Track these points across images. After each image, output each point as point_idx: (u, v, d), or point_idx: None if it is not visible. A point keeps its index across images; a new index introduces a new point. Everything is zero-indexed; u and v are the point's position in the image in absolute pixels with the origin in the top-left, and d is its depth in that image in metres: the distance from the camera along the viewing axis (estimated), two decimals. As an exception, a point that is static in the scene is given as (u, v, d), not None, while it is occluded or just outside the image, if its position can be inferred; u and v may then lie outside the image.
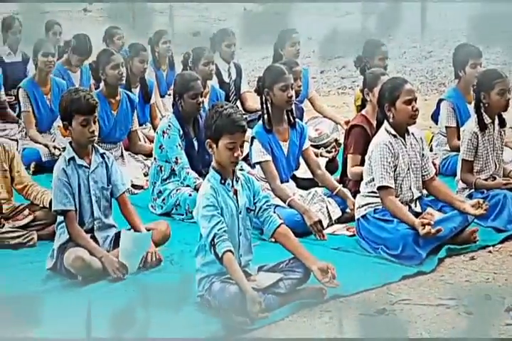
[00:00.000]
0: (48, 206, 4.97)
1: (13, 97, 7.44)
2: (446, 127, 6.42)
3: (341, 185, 5.45)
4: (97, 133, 4.43)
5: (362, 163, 5.16)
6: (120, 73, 6.25)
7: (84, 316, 3.71)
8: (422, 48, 12.82)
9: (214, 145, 3.93)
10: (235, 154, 3.90)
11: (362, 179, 4.94)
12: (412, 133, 4.90)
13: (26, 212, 5.02)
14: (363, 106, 5.83)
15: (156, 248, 4.55)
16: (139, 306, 3.86)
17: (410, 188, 4.86)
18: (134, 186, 6.08)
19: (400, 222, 4.66)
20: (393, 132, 4.80)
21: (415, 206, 4.90)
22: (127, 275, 4.30)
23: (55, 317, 3.66)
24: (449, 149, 6.42)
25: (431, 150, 6.40)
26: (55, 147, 6.59)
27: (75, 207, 4.41)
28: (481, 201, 4.79)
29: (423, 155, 4.92)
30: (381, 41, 7.04)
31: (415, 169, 4.88)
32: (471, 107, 5.95)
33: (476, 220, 4.87)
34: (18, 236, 4.87)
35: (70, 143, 4.49)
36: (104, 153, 4.57)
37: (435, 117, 6.76)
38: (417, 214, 4.79)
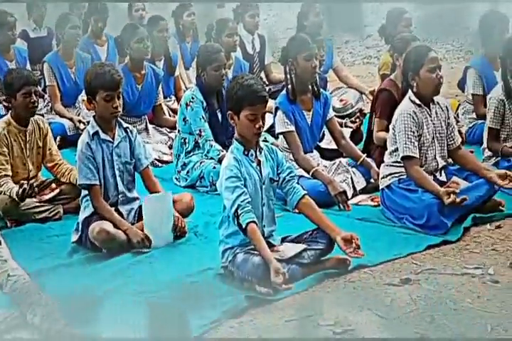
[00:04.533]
0: (74, 182, 5.00)
1: (39, 72, 7.47)
2: (472, 95, 6.35)
3: (365, 154, 5.42)
4: (120, 109, 4.42)
5: (388, 128, 5.11)
6: (145, 47, 6.23)
7: (108, 289, 3.75)
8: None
9: (235, 117, 3.91)
10: (257, 125, 3.87)
11: (386, 146, 4.90)
12: (438, 102, 4.84)
13: (52, 186, 5.05)
14: (388, 75, 5.76)
15: (181, 220, 4.57)
16: (164, 278, 3.89)
17: (435, 157, 4.82)
18: (160, 161, 6.10)
19: (425, 191, 4.62)
20: (417, 101, 4.75)
21: (440, 175, 4.86)
22: (153, 247, 4.31)
23: (80, 291, 3.68)
24: (475, 117, 6.36)
25: (457, 119, 6.34)
26: (80, 121, 6.60)
27: (100, 181, 4.43)
28: (509, 172, 4.73)
29: (448, 124, 4.87)
30: (404, 9, 6.94)
31: (440, 138, 4.83)
32: (498, 75, 5.87)
33: (502, 188, 4.82)
34: (45, 211, 4.91)
35: (94, 117, 4.49)
36: (128, 127, 4.56)
37: (461, 85, 6.69)
38: (442, 184, 4.74)
